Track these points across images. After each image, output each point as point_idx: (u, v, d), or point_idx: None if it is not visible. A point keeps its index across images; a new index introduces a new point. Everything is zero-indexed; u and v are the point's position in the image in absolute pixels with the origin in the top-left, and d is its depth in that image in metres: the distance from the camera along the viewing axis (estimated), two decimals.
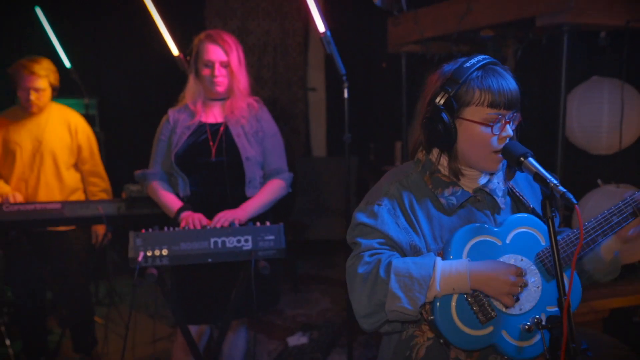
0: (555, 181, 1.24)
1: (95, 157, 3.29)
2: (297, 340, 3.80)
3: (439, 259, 1.33)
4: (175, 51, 3.20)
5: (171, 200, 2.54)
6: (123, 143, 5.07)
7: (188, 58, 2.67)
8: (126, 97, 5.39)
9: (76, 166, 3.25)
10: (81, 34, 4.96)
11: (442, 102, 1.37)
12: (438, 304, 1.33)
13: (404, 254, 1.37)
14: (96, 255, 3.43)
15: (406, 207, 1.40)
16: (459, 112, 1.38)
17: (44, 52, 4.66)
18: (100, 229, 3.31)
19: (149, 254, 2.19)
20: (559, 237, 1.38)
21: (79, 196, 3.24)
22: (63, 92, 3.32)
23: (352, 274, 1.36)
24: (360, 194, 5.50)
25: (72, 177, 3.21)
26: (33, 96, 3.01)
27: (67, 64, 4.09)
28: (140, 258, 2.15)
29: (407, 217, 1.40)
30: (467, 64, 1.39)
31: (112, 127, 5.03)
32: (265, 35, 5.86)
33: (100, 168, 3.32)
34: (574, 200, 1.20)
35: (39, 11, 4.09)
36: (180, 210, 2.47)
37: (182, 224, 2.38)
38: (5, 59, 5.14)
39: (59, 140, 3.15)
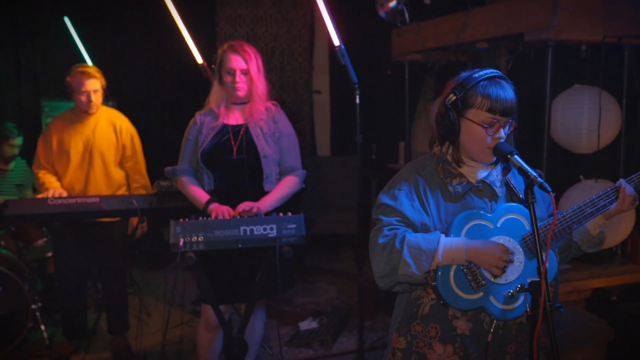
0: (535, 174, 1.53)
1: (137, 155, 3.54)
2: (308, 324, 4.05)
3: (443, 236, 1.63)
4: (199, 59, 3.48)
5: (199, 194, 2.78)
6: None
7: (213, 66, 2.90)
8: (142, 99, 5.64)
9: (121, 164, 3.51)
10: (100, 40, 5.23)
11: (450, 102, 1.66)
12: (440, 272, 1.63)
13: (416, 230, 1.67)
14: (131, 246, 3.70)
15: (421, 193, 1.70)
16: (463, 112, 1.66)
17: (71, 58, 4.94)
18: (135, 221, 3.58)
19: (187, 240, 2.46)
20: (544, 222, 1.68)
21: (124, 192, 3.52)
22: None
23: (374, 243, 1.67)
24: (362, 191, 5.75)
25: (118, 174, 3.49)
26: (93, 97, 3.32)
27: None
28: (181, 243, 2.44)
29: (420, 200, 1.70)
30: (477, 75, 1.67)
31: None
32: (273, 40, 6.12)
33: (141, 166, 3.57)
34: (549, 189, 1.49)
35: (67, 20, 4.38)
36: (209, 202, 2.72)
37: (213, 215, 2.62)
38: (34, 63, 5.44)
39: (106, 140, 3.42)
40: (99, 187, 3.42)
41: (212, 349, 3.01)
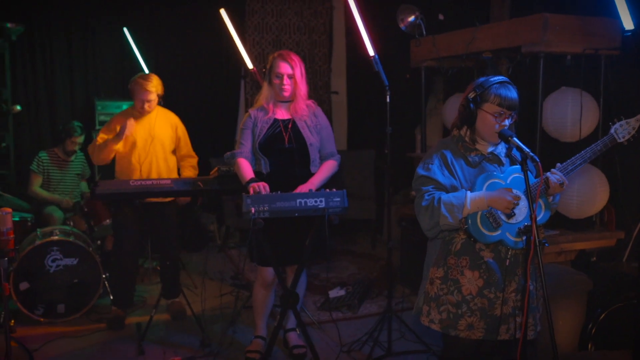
0: (528, 150, 2.16)
1: (188, 144, 4.22)
2: (336, 292, 4.61)
3: (468, 192, 2.23)
4: (250, 65, 4.09)
5: (246, 172, 3.22)
6: None
7: (264, 70, 3.43)
8: (182, 101, 6.21)
9: (174, 152, 4.16)
10: (146, 50, 5.83)
11: (471, 97, 2.28)
12: (470, 219, 2.24)
13: (447, 191, 2.27)
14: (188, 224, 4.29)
15: (449, 163, 2.32)
16: (480, 105, 2.27)
17: (119, 61, 5.52)
18: (181, 201, 4.21)
19: (256, 209, 2.95)
20: (536, 181, 2.24)
21: (175, 175, 4.14)
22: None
23: (419, 206, 2.28)
24: (377, 181, 6.30)
25: (172, 160, 4.14)
26: (146, 105, 3.96)
27: (147, 72, 4.91)
28: (253, 211, 2.97)
29: (449, 169, 2.31)
30: (492, 79, 2.28)
31: None
32: (296, 46, 6.70)
33: (191, 148, 4.25)
34: (537, 159, 2.12)
35: (126, 31, 4.98)
36: (250, 181, 3.15)
37: (251, 190, 3.06)
38: (85, 66, 6.03)
39: (164, 132, 4.07)
40: (159, 170, 4.04)
41: (266, 303, 3.60)
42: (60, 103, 5.99)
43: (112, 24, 5.90)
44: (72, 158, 5.12)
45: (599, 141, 2.35)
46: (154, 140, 4.04)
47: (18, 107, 4.87)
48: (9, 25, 5.16)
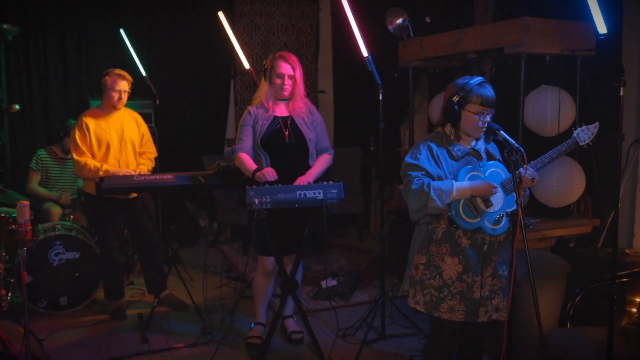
0: (513, 141, 2.40)
1: (150, 140, 4.32)
2: (328, 283, 4.79)
3: (454, 181, 2.46)
4: (246, 65, 4.26)
5: (249, 164, 3.41)
6: (170, 135, 5.96)
7: (264, 69, 3.55)
8: (174, 101, 6.39)
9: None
10: (141, 49, 5.94)
11: (456, 100, 2.50)
12: (453, 206, 2.46)
13: (433, 179, 2.47)
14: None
15: (435, 154, 2.52)
16: (464, 106, 2.49)
17: (110, 60, 5.59)
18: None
19: (260, 200, 3.12)
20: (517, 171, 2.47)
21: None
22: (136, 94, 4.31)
23: (408, 188, 2.47)
24: (363, 177, 6.50)
25: (136, 155, 4.24)
26: (123, 96, 4.03)
27: (143, 72, 4.94)
28: (257, 202, 3.15)
29: (435, 160, 2.51)
30: (472, 81, 2.49)
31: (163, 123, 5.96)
32: (284, 46, 6.84)
33: (153, 145, 4.35)
34: (522, 150, 2.36)
35: (122, 32, 5.09)
36: (256, 171, 3.34)
37: (259, 176, 3.26)
38: (79, 65, 6.12)
39: (133, 130, 4.17)
40: (130, 166, 4.14)
41: (266, 291, 3.78)
42: (54, 102, 6.06)
43: (106, 25, 6.01)
44: (69, 156, 5.21)
45: (564, 143, 2.58)
46: (125, 138, 4.12)
47: (17, 107, 4.96)
48: (5, 26, 5.24)
